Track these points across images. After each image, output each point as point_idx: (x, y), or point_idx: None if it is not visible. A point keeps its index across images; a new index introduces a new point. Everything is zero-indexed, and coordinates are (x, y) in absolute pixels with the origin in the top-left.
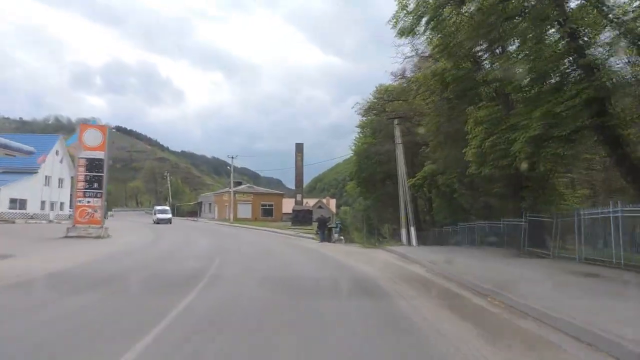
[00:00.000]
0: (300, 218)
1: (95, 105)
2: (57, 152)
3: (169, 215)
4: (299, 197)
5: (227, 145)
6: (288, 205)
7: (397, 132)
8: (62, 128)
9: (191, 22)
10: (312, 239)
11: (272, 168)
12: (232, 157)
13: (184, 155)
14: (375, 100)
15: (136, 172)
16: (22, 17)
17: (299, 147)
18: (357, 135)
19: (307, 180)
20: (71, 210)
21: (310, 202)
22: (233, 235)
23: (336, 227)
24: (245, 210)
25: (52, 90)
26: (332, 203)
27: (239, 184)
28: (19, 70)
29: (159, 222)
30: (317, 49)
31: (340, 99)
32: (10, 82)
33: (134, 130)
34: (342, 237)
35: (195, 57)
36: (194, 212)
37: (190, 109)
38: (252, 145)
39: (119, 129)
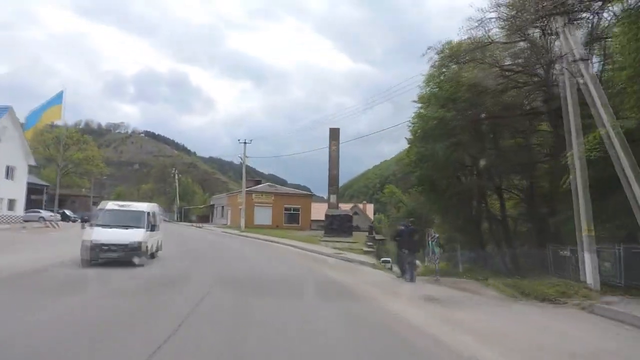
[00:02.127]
0: (337, 226)
1: (129, 113)
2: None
3: (138, 234)
4: (333, 198)
5: (254, 152)
6: (318, 211)
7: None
8: (93, 132)
9: (221, 31)
10: (374, 266)
11: (301, 174)
12: (245, 142)
13: (211, 160)
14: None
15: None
16: (61, 29)
17: (334, 134)
18: (418, 111)
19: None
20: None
21: (343, 208)
22: (220, 257)
23: (435, 243)
24: (264, 215)
25: (88, 98)
26: (370, 209)
27: (258, 182)
28: (57, 79)
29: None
30: (345, 56)
31: (369, 106)
32: (50, 91)
33: (162, 135)
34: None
35: (225, 65)
36: (205, 217)
37: (219, 117)
38: (280, 153)
39: (147, 133)
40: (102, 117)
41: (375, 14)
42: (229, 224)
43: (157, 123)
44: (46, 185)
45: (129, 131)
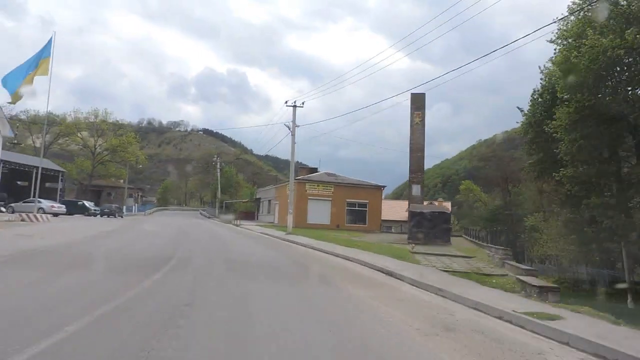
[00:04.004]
0: (427, 228)
1: (190, 112)
2: None
3: None
4: (416, 190)
5: (311, 153)
6: (391, 209)
7: None
8: (154, 130)
9: (279, 32)
10: None
11: (362, 173)
12: (295, 104)
13: (267, 159)
14: None
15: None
16: (128, 33)
17: (417, 101)
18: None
19: (395, 184)
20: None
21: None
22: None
23: None
24: (320, 212)
25: (153, 99)
26: (447, 205)
27: (313, 170)
28: (125, 81)
29: None
30: (403, 54)
31: (427, 105)
32: (119, 92)
33: (220, 133)
34: None
35: (283, 65)
36: (249, 214)
37: (276, 116)
38: (336, 153)
39: (205, 131)
40: (165, 116)
41: (435, 12)
42: (276, 221)
43: (218, 123)
44: (61, 171)
45: (188, 129)
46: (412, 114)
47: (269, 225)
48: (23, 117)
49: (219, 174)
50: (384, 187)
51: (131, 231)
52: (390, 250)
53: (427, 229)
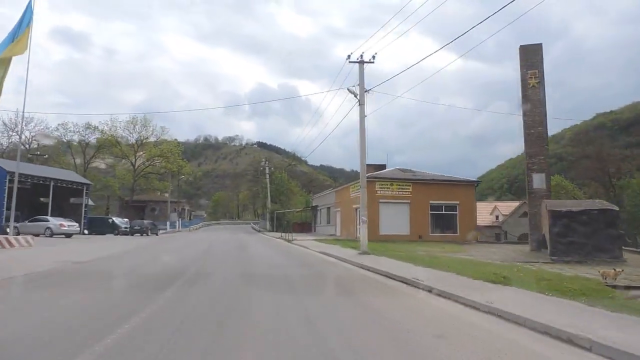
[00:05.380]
0: (581, 235)
1: (245, 129)
2: None
3: None
4: (538, 180)
5: (374, 149)
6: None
7: None
8: (210, 146)
9: (326, 42)
10: None
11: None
12: (361, 59)
13: (322, 168)
14: None
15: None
16: (183, 55)
17: (530, 55)
18: None
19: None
20: None
21: (502, 208)
22: None
23: None
24: (395, 219)
25: (209, 117)
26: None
27: (381, 168)
28: (183, 101)
29: None
30: (455, 55)
31: (483, 105)
32: (177, 112)
33: (274, 145)
34: None
35: (332, 75)
36: (305, 225)
37: (329, 127)
38: (391, 159)
39: (259, 144)
40: (220, 132)
41: (488, 9)
42: (338, 233)
43: (271, 137)
44: (86, 184)
45: (243, 143)
46: (523, 74)
47: (330, 240)
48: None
49: (267, 180)
50: (477, 182)
51: (125, 261)
52: (574, 286)
53: (583, 238)
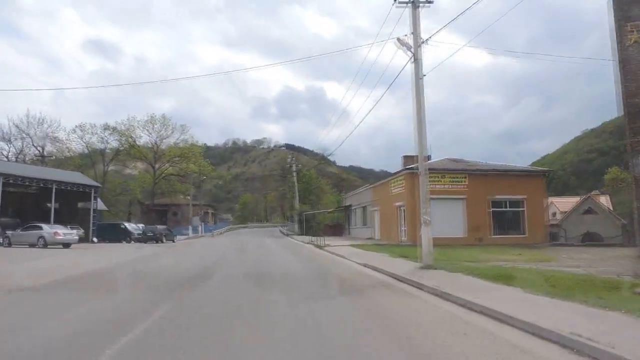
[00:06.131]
0: None
1: (273, 132)
2: None
3: None
4: None
5: (393, 160)
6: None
7: None
8: (239, 149)
9: (352, 42)
10: None
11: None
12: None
13: (351, 169)
14: None
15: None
16: (211, 62)
17: (629, 5)
18: None
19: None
20: None
21: (559, 205)
22: None
23: None
24: (448, 218)
25: (238, 120)
26: (604, 201)
27: (427, 159)
28: (211, 107)
29: None
30: (483, 51)
31: (513, 102)
32: (206, 117)
33: (302, 147)
34: None
35: (359, 76)
36: (337, 227)
37: (356, 128)
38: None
39: (287, 146)
40: (249, 135)
41: (516, 2)
42: (376, 236)
43: (299, 139)
44: (94, 186)
45: (271, 145)
46: (618, 29)
47: (370, 246)
48: (74, 135)
49: (295, 178)
50: (548, 172)
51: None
52: None
53: None
